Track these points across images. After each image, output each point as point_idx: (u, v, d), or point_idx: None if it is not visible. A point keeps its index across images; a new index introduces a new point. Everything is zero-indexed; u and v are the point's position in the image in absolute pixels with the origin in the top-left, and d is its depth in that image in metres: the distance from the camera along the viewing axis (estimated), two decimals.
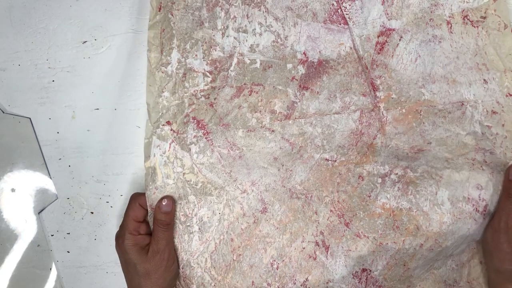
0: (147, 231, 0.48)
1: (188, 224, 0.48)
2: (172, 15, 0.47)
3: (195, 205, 0.48)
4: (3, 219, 0.54)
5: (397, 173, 0.46)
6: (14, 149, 0.53)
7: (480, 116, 0.45)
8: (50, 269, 0.54)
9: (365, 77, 0.46)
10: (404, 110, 0.46)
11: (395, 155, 0.46)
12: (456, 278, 0.48)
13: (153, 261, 0.46)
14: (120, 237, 0.47)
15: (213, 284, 0.49)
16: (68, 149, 0.53)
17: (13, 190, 0.54)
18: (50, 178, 0.53)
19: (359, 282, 0.48)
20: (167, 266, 0.46)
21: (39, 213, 0.54)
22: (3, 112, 0.53)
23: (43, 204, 0.54)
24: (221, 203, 0.48)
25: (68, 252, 0.54)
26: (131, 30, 0.51)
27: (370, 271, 0.47)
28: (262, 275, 0.48)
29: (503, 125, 0.45)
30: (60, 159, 0.53)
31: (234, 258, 0.48)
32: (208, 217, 0.48)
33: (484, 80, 0.45)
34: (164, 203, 0.46)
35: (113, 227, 0.53)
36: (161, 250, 0.46)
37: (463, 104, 0.45)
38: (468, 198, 0.46)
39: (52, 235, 0.54)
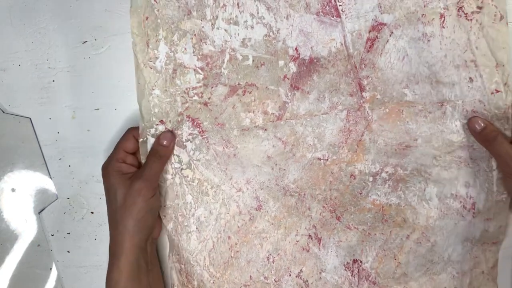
0: (134, 164, 0.48)
1: (186, 224, 0.49)
2: (155, 1, 0.46)
3: (192, 205, 0.49)
4: (3, 219, 0.54)
5: (387, 171, 0.47)
6: (14, 149, 0.53)
7: (459, 115, 0.45)
8: (50, 269, 0.54)
9: (353, 77, 0.46)
10: (387, 110, 0.46)
11: (384, 152, 0.47)
12: (457, 286, 0.48)
13: (133, 188, 0.45)
14: (105, 163, 0.47)
15: (212, 281, 0.49)
16: (68, 149, 0.53)
17: (13, 190, 0.54)
18: (50, 178, 0.53)
19: (351, 275, 0.49)
20: (145, 196, 0.45)
21: (39, 213, 0.54)
22: (3, 112, 0.53)
23: (43, 204, 0.54)
24: (217, 202, 0.49)
25: (68, 252, 0.54)
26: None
27: (361, 262, 0.48)
28: (259, 269, 0.49)
29: None
30: (60, 159, 0.53)
31: (232, 255, 0.49)
32: (205, 217, 0.49)
33: (470, 78, 0.45)
34: (165, 136, 0.46)
35: None
36: (145, 177, 0.45)
37: (442, 104, 0.45)
38: (456, 195, 0.47)
39: (52, 235, 0.54)
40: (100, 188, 0.53)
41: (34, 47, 0.52)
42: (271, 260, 0.49)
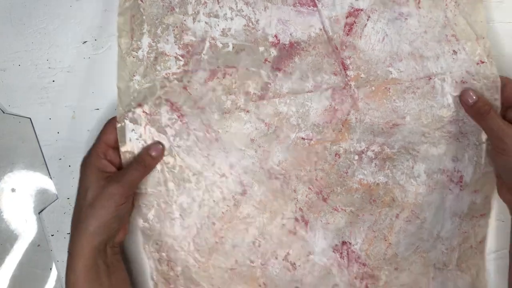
0: (115, 162, 0.47)
1: (169, 211, 0.49)
2: (141, 1, 0.47)
3: (174, 192, 0.48)
4: (3, 219, 0.54)
5: (373, 150, 0.47)
6: (14, 149, 0.53)
7: (450, 88, 0.46)
8: (51, 269, 0.54)
9: (335, 57, 0.47)
10: (373, 88, 0.47)
11: (370, 131, 0.47)
12: (446, 261, 0.48)
13: (106, 191, 0.43)
14: (86, 156, 0.46)
15: (197, 266, 0.49)
16: (68, 149, 0.53)
17: (13, 190, 0.54)
18: (50, 178, 0.53)
19: (341, 257, 0.48)
20: (117, 202, 0.43)
21: (39, 213, 0.54)
22: (3, 112, 0.53)
23: (43, 204, 0.54)
24: (200, 189, 0.48)
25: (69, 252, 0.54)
26: None
27: (350, 244, 0.48)
28: (244, 254, 0.49)
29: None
30: (60, 159, 0.53)
31: (217, 241, 0.49)
32: (188, 204, 0.49)
33: (454, 51, 0.45)
34: (154, 147, 0.46)
35: None
36: (122, 183, 0.44)
37: (430, 78, 0.46)
38: (443, 170, 0.47)
39: (52, 235, 0.54)
40: None
41: (34, 47, 0.52)
42: (257, 244, 0.49)
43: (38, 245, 0.54)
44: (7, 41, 0.52)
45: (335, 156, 0.48)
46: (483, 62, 0.45)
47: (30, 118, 0.53)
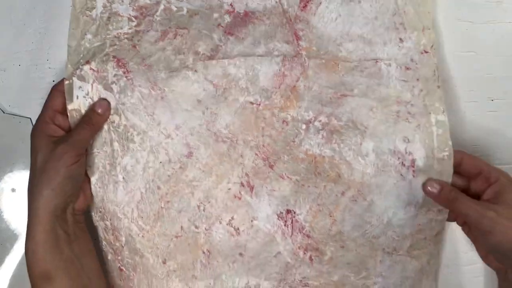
0: (63, 126, 0.46)
1: (113, 173, 0.47)
2: None
3: (118, 153, 0.47)
4: (3, 219, 0.54)
5: (321, 120, 0.47)
6: (14, 149, 0.53)
7: (395, 72, 0.46)
8: None
9: (289, 28, 0.47)
10: (323, 61, 0.47)
11: (318, 100, 0.47)
12: (396, 247, 0.48)
13: (55, 152, 0.42)
14: (34, 126, 0.45)
15: (141, 235, 0.48)
16: None
17: (13, 190, 0.54)
18: None
19: (285, 225, 0.48)
20: (67, 162, 0.42)
21: None
22: (3, 112, 0.53)
23: None
24: (144, 150, 0.47)
25: None
26: None
27: (295, 213, 0.48)
28: (190, 219, 0.48)
29: (417, 79, 0.46)
30: None
31: (162, 206, 0.48)
32: (131, 166, 0.47)
33: (400, 39, 0.46)
34: (100, 104, 0.46)
35: None
36: (70, 142, 0.43)
37: (377, 62, 0.47)
38: (394, 151, 0.46)
39: None
40: None
41: (34, 47, 0.52)
42: (201, 208, 0.48)
43: None
44: (7, 41, 0.52)
45: (283, 123, 0.47)
46: (426, 52, 0.46)
47: (30, 118, 0.53)
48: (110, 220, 0.48)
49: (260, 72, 0.47)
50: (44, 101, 0.53)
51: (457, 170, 0.46)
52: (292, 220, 0.48)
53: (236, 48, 0.47)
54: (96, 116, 0.46)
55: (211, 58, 0.47)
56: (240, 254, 0.48)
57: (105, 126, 0.47)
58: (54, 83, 0.52)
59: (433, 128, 0.46)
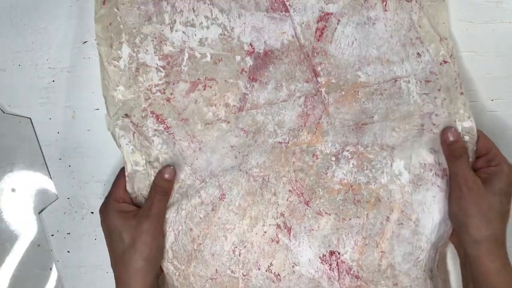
0: (129, 201, 0.48)
1: None
2: (117, 9, 0.48)
3: None
4: (3, 219, 0.54)
5: (349, 150, 0.48)
6: (14, 149, 0.53)
7: (415, 88, 0.47)
8: (51, 269, 0.54)
9: (307, 64, 0.48)
10: (343, 93, 0.48)
11: (342, 133, 0.48)
12: (432, 267, 0.47)
13: (140, 228, 0.44)
14: (104, 205, 0.46)
15: (177, 274, 0.49)
16: (68, 149, 0.53)
17: (13, 190, 0.54)
18: (50, 178, 0.53)
19: (330, 269, 0.47)
20: (154, 235, 0.45)
21: (39, 213, 0.54)
22: (3, 112, 0.53)
23: (43, 204, 0.54)
24: (178, 193, 0.48)
25: (68, 252, 0.54)
26: None
27: (339, 253, 0.47)
28: (225, 263, 0.48)
29: (439, 90, 0.47)
30: (60, 159, 0.53)
31: (195, 248, 0.48)
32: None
33: (418, 53, 0.47)
34: (167, 170, 0.46)
35: None
36: (152, 216, 0.45)
37: (396, 81, 0.47)
38: (425, 164, 0.47)
39: (52, 235, 0.54)
40: (100, 188, 0.53)
41: (34, 47, 0.52)
42: (237, 253, 0.48)
43: (38, 245, 0.54)
44: (7, 41, 0.52)
45: (313, 157, 0.48)
46: (446, 62, 0.46)
47: (30, 118, 0.53)
48: None
49: (285, 116, 0.48)
50: (44, 101, 0.53)
51: None
52: (337, 263, 0.47)
53: (261, 95, 0.48)
54: (165, 183, 0.47)
55: (240, 109, 0.48)
56: None
57: (149, 171, 0.48)
58: (54, 83, 0.52)
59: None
